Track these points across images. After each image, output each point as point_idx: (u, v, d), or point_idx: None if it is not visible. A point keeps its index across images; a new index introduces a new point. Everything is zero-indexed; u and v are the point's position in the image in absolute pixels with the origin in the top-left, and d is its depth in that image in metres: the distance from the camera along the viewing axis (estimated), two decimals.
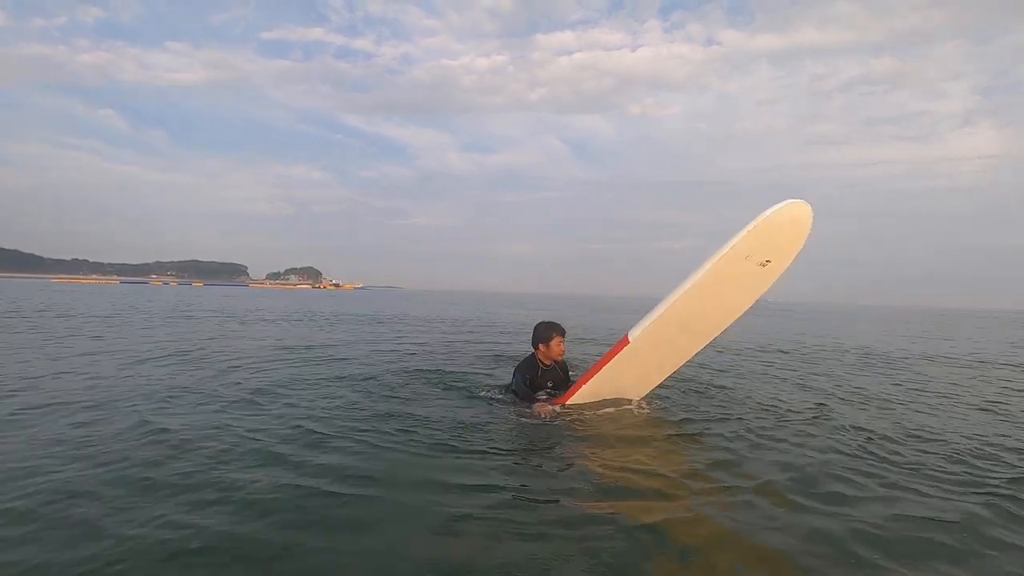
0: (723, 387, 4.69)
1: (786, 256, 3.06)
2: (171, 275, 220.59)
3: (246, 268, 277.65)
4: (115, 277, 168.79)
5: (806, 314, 28.49)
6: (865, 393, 4.82)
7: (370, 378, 4.73)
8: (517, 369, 3.86)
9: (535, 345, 3.82)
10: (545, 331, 3.77)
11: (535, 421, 3.39)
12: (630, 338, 3.44)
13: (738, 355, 7.31)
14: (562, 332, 3.79)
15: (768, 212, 2.88)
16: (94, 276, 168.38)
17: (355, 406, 3.68)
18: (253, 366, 5.37)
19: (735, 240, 2.95)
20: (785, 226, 2.93)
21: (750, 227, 2.91)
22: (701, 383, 4.79)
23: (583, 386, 3.57)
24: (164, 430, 2.97)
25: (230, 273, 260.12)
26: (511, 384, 3.93)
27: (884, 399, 4.56)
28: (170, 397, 3.81)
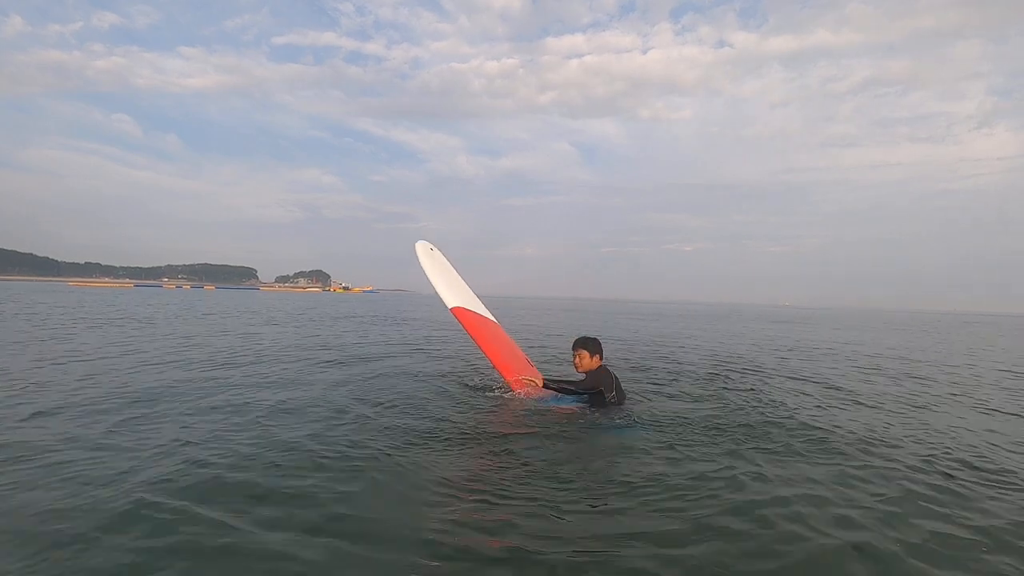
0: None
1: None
2: (182, 278, 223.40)
3: (256, 271, 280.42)
4: (128, 280, 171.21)
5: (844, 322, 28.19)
6: None
7: None
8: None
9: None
10: None
11: None
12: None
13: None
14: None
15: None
16: (107, 279, 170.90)
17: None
18: None
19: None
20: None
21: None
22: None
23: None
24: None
25: (240, 276, 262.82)
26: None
27: None
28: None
